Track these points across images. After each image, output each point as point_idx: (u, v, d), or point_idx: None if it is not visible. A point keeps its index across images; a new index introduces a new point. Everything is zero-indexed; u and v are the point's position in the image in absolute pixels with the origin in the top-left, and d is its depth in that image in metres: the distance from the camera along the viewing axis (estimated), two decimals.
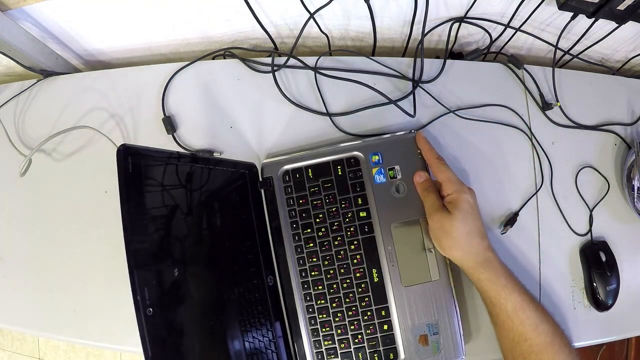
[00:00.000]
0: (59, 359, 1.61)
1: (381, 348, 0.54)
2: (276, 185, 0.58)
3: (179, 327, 0.41)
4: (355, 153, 0.58)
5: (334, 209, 0.56)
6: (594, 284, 0.54)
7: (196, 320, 0.44)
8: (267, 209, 0.59)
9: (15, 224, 0.63)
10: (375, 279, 0.55)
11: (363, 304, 0.55)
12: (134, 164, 0.39)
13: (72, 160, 0.65)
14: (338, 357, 0.55)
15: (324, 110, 0.64)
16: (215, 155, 0.63)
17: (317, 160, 0.58)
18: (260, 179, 0.60)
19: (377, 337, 0.54)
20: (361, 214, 0.56)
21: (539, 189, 0.59)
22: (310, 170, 0.58)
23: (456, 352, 0.53)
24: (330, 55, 0.68)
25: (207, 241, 0.49)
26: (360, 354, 0.54)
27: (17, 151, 0.66)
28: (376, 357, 0.54)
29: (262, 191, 0.59)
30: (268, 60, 0.67)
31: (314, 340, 0.55)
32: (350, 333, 0.54)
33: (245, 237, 0.55)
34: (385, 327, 0.54)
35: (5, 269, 0.60)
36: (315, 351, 0.55)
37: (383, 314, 0.54)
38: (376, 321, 0.54)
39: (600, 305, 0.54)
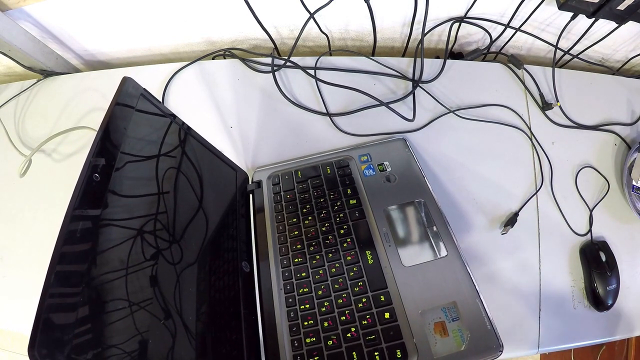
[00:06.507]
0: None
1: (384, 344, 0.42)
2: (264, 185, 0.58)
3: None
4: (344, 155, 0.59)
5: (322, 200, 0.54)
6: (594, 284, 0.54)
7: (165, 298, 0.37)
8: (252, 206, 0.58)
9: (15, 224, 0.62)
10: (370, 261, 0.48)
11: (356, 289, 0.46)
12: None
13: (72, 160, 0.65)
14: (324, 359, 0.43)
15: (324, 110, 0.64)
16: None
17: (305, 164, 0.59)
18: (250, 182, 0.60)
19: (377, 329, 0.44)
20: (351, 202, 0.54)
21: (539, 189, 0.59)
22: (299, 172, 0.58)
23: (489, 343, 0.41)
24: (330, 55, 0.68)
25: (186, 212, 0.44)
26: (354, 353, 0.42)
27: (17, 151, 0.66)
28: (377, 358, 0.42)
29: (250, 195, 0.58)
30: (268, 60, 0.67)
31: (292, 339, 0.45)
32: (340, 327, 0.44)
33: (225, 223, 0.51)
34: (387, 315, 0.44)
35: (5, 269, 0.60)
36: (293, 353, 0.44)
37: (382, 299, 0.45)
38: (374, 309, 0.45)
39: (600, 305, 0.53)
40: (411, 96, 0.64)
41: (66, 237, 0.28)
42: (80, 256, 0.29)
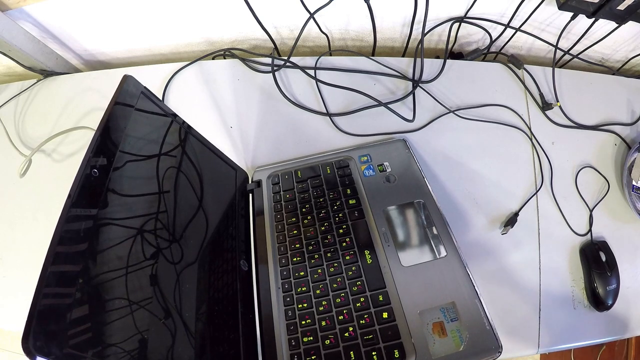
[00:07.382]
0: None
1: (381, 344, 0.42)
2: (264, 184, 0.58)
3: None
4: (344, 155, 0.59)
5: (321, 200, 0.54)
6: (594, 284, 0.54)
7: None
8: (252, 205, 0.58)
9: (15, 224, 0.62)
10: (369, 261, 0.48)
11: (355, 288, 0.46)
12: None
13: (72, 161, 0.65)
14: (322, 359, 0.43)
15: (324, 110, 0.64)
16: None
17: (305, 164, 0.59)
18: (250, 182, 0.60)
19: (374, 329, 0.43)
20: (350, 202, 0.54)
21: (539, 189, 0.59)
22: (299, 172, 0.58)
23: (488, 344, 0.41)
24: (330, 55, 0.68)
25: (186, 210, 0.44)
26: (352, 352, 0.42)
27: (17, 151, 0.66)
28: (375, 357, 0.42)
29: (250, 195, 0.58)
30: (268, 60, 0.67)
31: (290, 338, 0.45)
32: (338, 326, 0.44)
33: (224, 222, 0.51)
34: (385, 315, 0.44)
35: (5, 269, 0.60)
36: (291, 352, 0.44)
37: (381, 299, 0.45)
38: (372, 309, 0.45)
39: (600, 305, 0.53)
40: (411, 96, 0.64)
41: (63, 233, 0.28)
42: (77, 253, 0.29)
